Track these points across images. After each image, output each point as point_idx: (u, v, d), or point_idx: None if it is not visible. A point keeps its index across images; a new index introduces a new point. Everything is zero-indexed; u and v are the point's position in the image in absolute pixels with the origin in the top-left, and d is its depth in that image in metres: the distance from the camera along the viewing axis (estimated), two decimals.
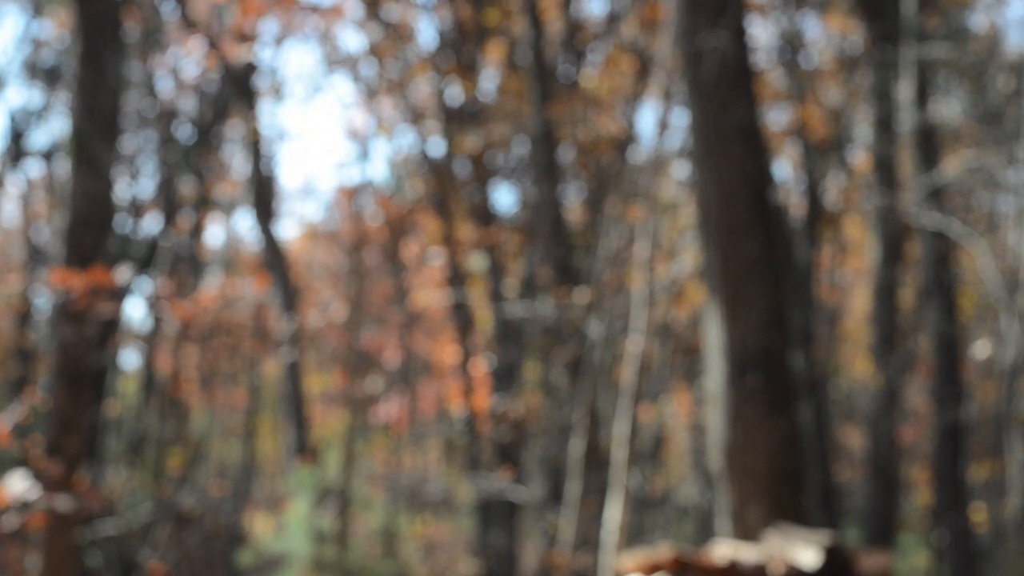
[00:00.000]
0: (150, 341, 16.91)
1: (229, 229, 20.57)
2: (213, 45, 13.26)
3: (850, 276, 18.94)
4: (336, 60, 16.98)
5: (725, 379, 7.46)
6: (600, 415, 9.68)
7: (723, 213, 7.53)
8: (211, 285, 17.76)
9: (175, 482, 14.08)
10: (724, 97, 7.58)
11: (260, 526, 16.60)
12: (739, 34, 7.69)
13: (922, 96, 12.66)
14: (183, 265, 16.61)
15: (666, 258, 12.42)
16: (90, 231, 6.78)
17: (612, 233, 9.39)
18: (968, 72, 13.63)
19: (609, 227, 9.52)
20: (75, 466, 6.80)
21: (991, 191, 14.04)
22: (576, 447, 8.96)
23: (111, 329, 10.68)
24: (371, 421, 20.17)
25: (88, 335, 6.44)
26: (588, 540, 9.08)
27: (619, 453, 7.69)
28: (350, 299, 16.81)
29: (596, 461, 9.10)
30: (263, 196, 12.74)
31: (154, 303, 7.97)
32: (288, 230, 26.13)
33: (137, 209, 16.42)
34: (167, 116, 16.09)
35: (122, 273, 6.50)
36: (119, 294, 6.70)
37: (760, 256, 7.56)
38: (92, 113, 6.76)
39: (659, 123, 7.93)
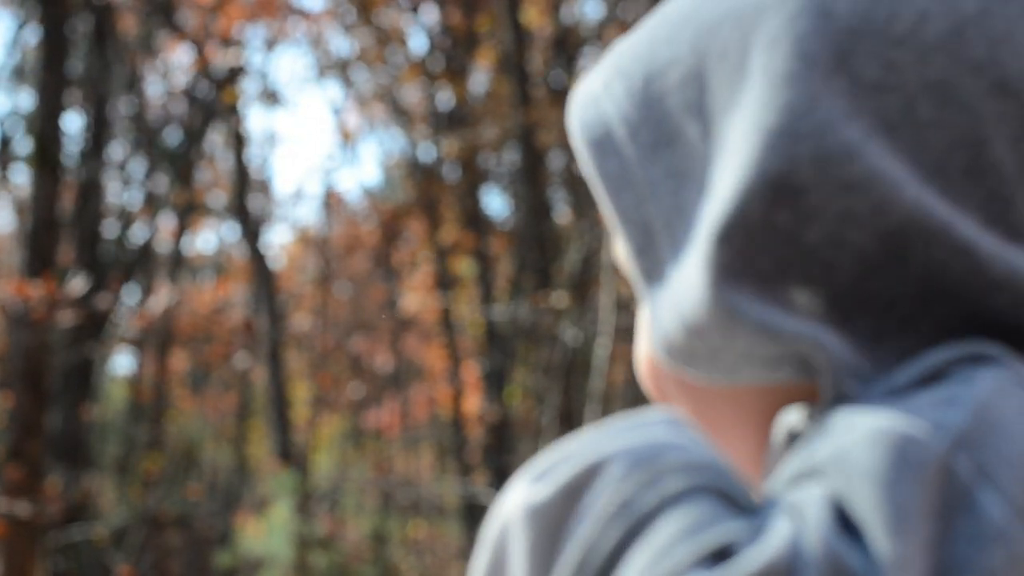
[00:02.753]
0: (141, 346, 16.93)
1: (221, 234, 20.61)
2: (199, 50, 13.29)
3: None
4: (327, 65, 17.01)
5: None
6: (577, 419, 9.67)
7: None
8: (185, 290, 17.76)
9: (151, 486, 14.09)
10: None
11: (252, 530, 16.61)
12: None
13: None
14: (162, 270, 16.64)
15: None
16: (53, 236, 6.78)
17: (586, 236, 9.39)
18: None
19: (583, 230, 9.52)
20: (37, 470, 6.80)
21: None
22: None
23: (92, 334, 10.69)
24: (362, 425, 20.18)
25: (48, 341, 6.44)
26: None
27: None
28: (331, 304, 16.81)
29: None
30: (246, 201, 12.76)
31: (117, 310, 7.99)
32: (279, 235, 26.20)
33: (128, 215, 16.45)
34: (153, 121, 16.12)
35: (78, 280, 6.50)
36: (83, 300, 6.69)
37: None
38: (54, 118, 6.77)
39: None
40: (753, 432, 0.72)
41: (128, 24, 15.24)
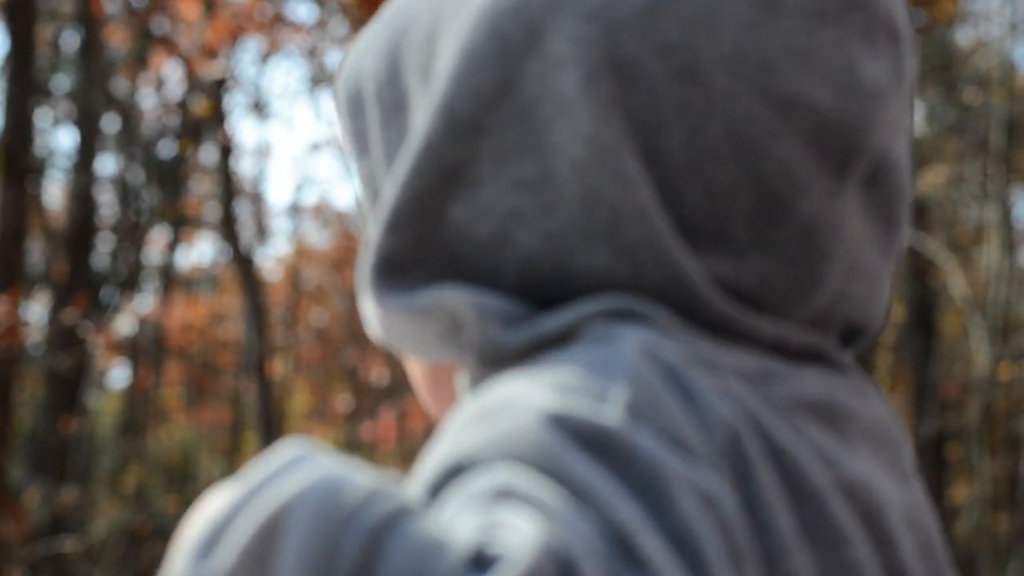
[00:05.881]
0: (135, 359, 16.95)
1: (216, 247, 20.61)
2: (186, 63, 13.31)
3: None
4: (320, 77, 17.01)
5: None
6: None
7: None
8: (176, 304, 17.77)
9: (132, 499, 14.12)
10: None
11: None
12: None
13: None
14: (153, 283, 16.64)
15: None
16: (20, 248, 6.76)
17: None
18: (936, 85, 13.60)
19: None
20: (5, 484, 6.76)
21: (966, 206, 13.98)
22: None
23: (75, 347, 10.67)
24: (358, 438, 20.17)
25: (16, 354, 6.40)
26: None
27: None
28: (324, 315, 16.77)
29: None
30: (233, 214, 12.76)
31: (88, 325, 7.96)
32: (273, 248, 26.31)
33: (123, 229, 16.47)
34: (145, 133, 16.16)
35: (36, 296, 6.48)
36: (54, 314, 6.67)
37: None
38: (23, 128, 6.76)
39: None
40: None
41: (119, 37, 15.27)
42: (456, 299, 0.61)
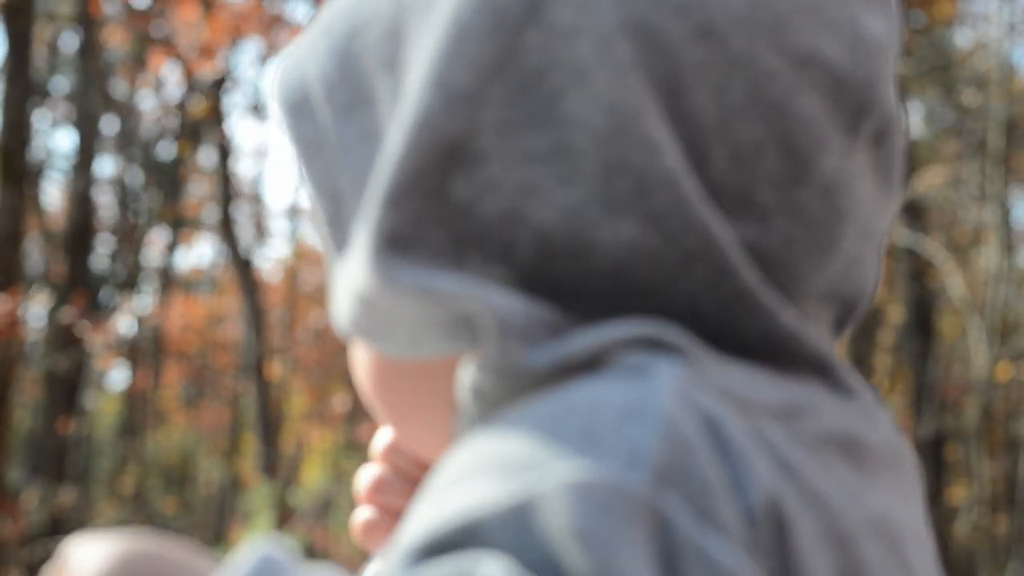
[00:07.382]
0: (134, 360, 16.97)
1: (216, 248, 20.62)
2: (184, 64, 13.32)
3: None
4: None
5: None
6: None
7: None
8: (174, 304, 17.75)
9: (129, 500, 14.11)
10: None
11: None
12: None
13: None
14: (151, 284, 16.63)
15: None
16: (18, 249, 6.76)
17: None
18: (935, 87, 13.60)
19: None
20: (0, 485, 6.77)
21: (964, 207, 13.98)
22: None
23: (74, 348, 10.68)
24: (357, 438, 20.17)
25: (14, 355, 6.42)
26: None
27: None
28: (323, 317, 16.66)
29: None
30: (231, 214, 12.78)
31: (85, 325, 7.97)
32: (273, 249, 26.25)
33: (122, 231, 16.50)
34: (144, 135, 16.18)
35: (34, 295, 6.48)
36: (53, 314, 6.68)
37: None
38: (19, 130, 6.76)
39: None
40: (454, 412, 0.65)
41: (118, 38, 15.28)
42: (475, 300, 0.58)
